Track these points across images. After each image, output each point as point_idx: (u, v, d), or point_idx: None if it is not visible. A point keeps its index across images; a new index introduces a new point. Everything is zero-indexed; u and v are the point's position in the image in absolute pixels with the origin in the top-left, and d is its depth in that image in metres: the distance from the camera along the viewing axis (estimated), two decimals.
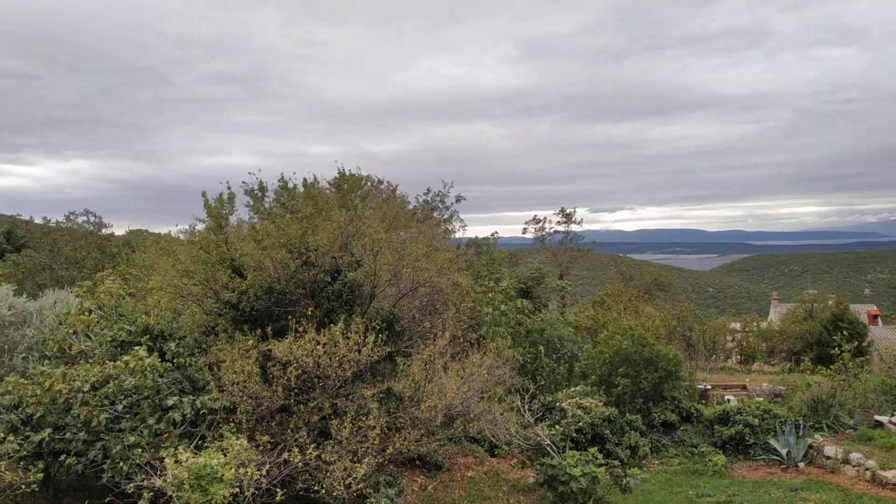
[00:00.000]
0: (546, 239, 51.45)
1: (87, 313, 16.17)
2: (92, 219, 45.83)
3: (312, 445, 12.54)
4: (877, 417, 21.97)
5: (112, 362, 13.48)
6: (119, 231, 49.63)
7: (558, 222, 50.52)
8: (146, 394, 13.03)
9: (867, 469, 18.52)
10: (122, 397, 12.90)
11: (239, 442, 10.54)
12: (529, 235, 52.40)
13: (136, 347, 13.86)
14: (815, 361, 31.33)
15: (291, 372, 13.28)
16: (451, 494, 17.10)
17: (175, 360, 14.78)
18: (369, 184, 22.77)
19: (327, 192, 20.78)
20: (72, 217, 45.41)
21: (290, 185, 21.05)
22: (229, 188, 17.63)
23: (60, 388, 12.72)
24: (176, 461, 9.82)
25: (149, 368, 13.22)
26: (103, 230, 46.67)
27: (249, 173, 19.45)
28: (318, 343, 13.48)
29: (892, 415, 21.96)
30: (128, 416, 12.86)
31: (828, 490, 17.71)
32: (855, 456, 19.04)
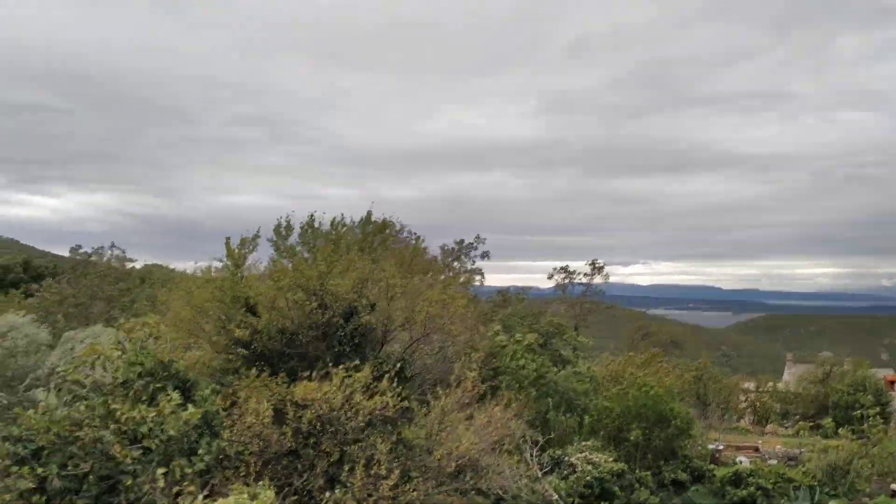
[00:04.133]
0: (567, 289, 51.35)
1: (115, 349, 16.18)
2: (117, 253, 46.45)
3: (324, 494, 12.39)
4: (893, 486, 21.49)
5: (141, 405, 13.38)
6: (137, 265, 50.14)
7: (585, 274, 50.50)
8: (171, 438, 12.94)
9: None
10: (152, 438, 12.81)
11: (268, 493, 10.45)
12: (551, 284, 52.38)
13: (170, 391, 13.75)
14: (836, 425, 30.73)
15: (307, 416, 13.20)
16: None
17: (201, 405, 14.69)
18: (390, 230, 22.95)
19: (349, 232, 20.92)
20: (99, 251, 46.10)
21: (317, 224, 21.31)
22: (257, 234, 17.76)
23: (65, 427, 12.65)
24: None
25: (180, 414, 13.15)
26: (126, 265, 47.24)
27: (278, 219, 19.66)
28: (339, 389, 13.44)
29: None
30: (151, 457, 12.75)
31: None
32: None
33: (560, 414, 24.19)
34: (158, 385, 14.36)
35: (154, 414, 13.05)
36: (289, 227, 19.44)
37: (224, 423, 13.77)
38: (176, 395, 13.37)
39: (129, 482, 12.17)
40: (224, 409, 14.11)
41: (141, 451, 12.66)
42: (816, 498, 20.44)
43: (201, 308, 16.27)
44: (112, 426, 12.67)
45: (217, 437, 13.66)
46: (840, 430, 27.20)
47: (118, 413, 12.76)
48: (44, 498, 12.11)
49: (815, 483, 21.35)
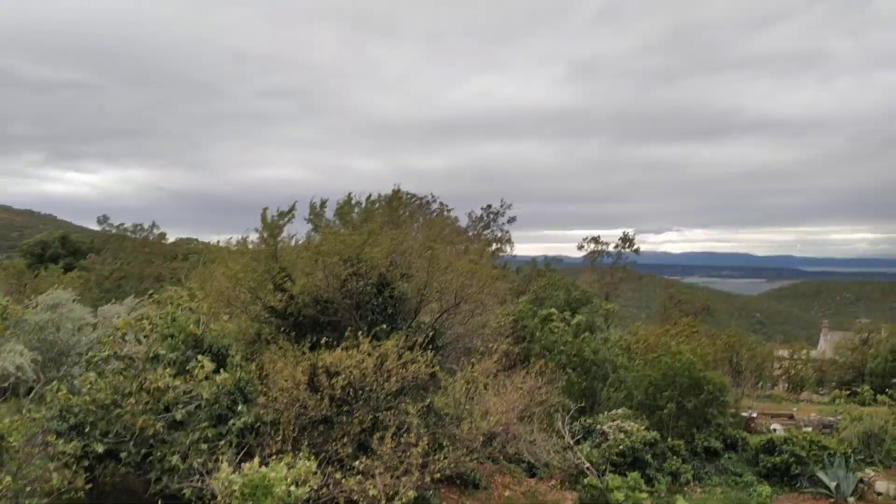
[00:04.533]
0: (597, 259, 51.06)
1: (139, 321, 16.53)
2: (155, 231, 47.42)
3: (355, 460, 12.60)
4: None
5: (169, 373, 13.73)
6: (171, 240, 51.05)
7: (615, 245, 50.18)
8: (203, 404, 13.27)
9: None
10: (180, 406, 13.15)
11: (308, 464, 10.68)
12: (581, 253, 52.16)
13: (200, 357, 14.08)
14: (874, 392, 30.34)
15: (338, 382, 13.39)
16: None
17: (233, 372, 15.01)
18: (419, 201, 23.02)
19: (379, 208, 21.06)
20: (138, 229, 47.09)
21: (354, 201, 21.52)
22: (292, 206, 18.02)
23: (107, 398, 13.00)
24: (235, 469, 9.99)
25: (215, 380, 13.46)
26: (162, 241, 48.27)
27: (313, 198, 19.90)
28: (370, 355, 13.61)
29: None
30: (184, 424, 13.08)
31: None
32: None
33: (595, 382, 24.21)
34: (190, 355, 14.70)
35: (180, 382, 13.38)
36: (323, 205, 19.69)
37: (259, 390, 14.06)
38: (207, 362, 13.68)
39: (162, 451, 12.53)
40: (259, 378, 14.39)
41: (171, 420, 13.01)
42: (851, 465, 20.27)
43: (237, 278, 16.54)
44: (145, 397, 13.01)
45: (250, 403, 13.97)
46: (878, 397, 26.88)
47: (149, 383, 13.10)
48: (87, 465, 12.51)
49: (851, 451, 21.16)
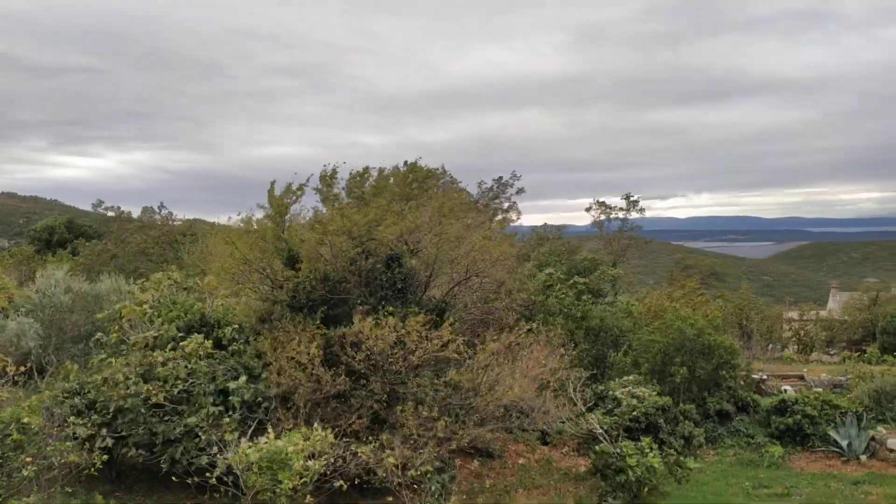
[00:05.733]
0: (604, 225, 50.88)
1: (143, 304, 16.62)
2: (164, 212, 47.41)
3: (370, 434, 12.72)
4: None
5: (170, 347, 13.92)
6: (178, 222, 51.08)
7: (621, 208, 49.93)
8: (200, 379, 13.41)
9: None
10: (178, 382, 13.30)
11: (322, 433, 10.76)
12: (588, 220, 52.01)
13: (195, 335, 14.23)
14: (882, 351, 30.37)
15: (359, 355, 13.48)
16: (504, 481, 17.15)
17: (230, 347, 15.14)
18: (432, 178, 22.87)
19: (391, 182, 20.89)
20: (147, 211, 47.11)
21: (366, 174, 21.24)
22: (303, 183, 17.72)
23: (120, 376, 13.17)
24: (252, 442, 10.08)
25: (202, 352, 13.59)
26: (172, 223, 48.27)
27: (324, 166, 19.46)
28: (395, 329, 13.69)
29: None
30: (185, 399, 13.25)
31: (892, 484, 17.25)
32: None
33: (604, 348, 24.29)
34: (195, 335, 14.84)
35: (179, 355, 13.53)
36: (333, 174, 19.18)
37: (269, 367, 14.17)
38: (199, 338, 13.84)
39: (172, 427, 12.70)
40: (271, 353, 14.49)
41: (178, 395, 13.18)
42: (863, 423, 20.36)
43: (244, 258, 16.52)
44: (146, 376, 13.18)
45: (256, 380, 14.10)
46: (884, 358, 26.94)
47: (153, 358, 13.26)
48: (103, 444, 12.69)
49: (862, 409, 21.24)
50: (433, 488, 13.79)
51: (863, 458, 19.47)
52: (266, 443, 10.06)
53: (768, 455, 19.71)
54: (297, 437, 10.33)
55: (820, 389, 23.99)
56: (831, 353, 37.62)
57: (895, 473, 18.18)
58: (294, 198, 17.19)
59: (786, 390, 23.50)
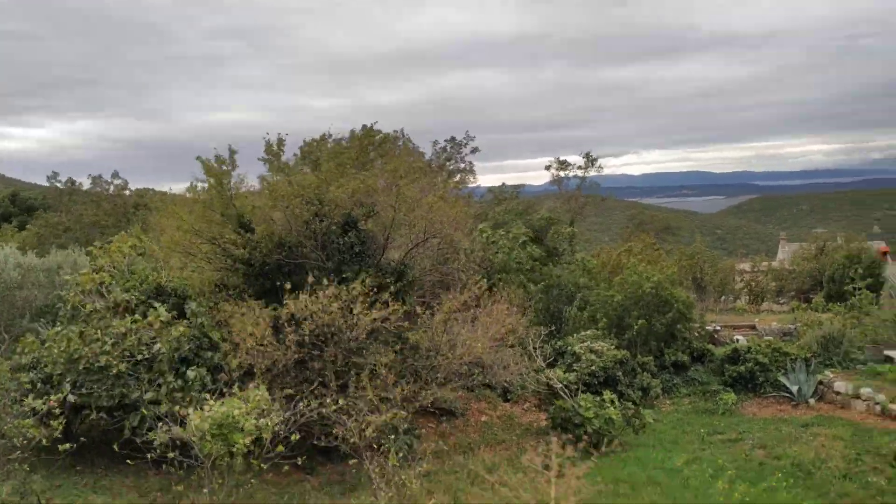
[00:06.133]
0: (563, 183, 51.12)
1: (99, 272, 16.32)
2: (117, 182, 45.88)
3: (331, 399, 12.74)
4: (886, 352, 22.11)
5: (132, 318, 13.72)
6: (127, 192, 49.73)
7: (579, 166, 50.16)
8: (165, 351, 13.26)
9: (877, 403, 18.71)
10: (144, 350, 13.15)
11: (260, 392, 10.71)
12: (545, 179, 52.15)
13: (157, 306, 14.01)
14: (827, 299, 31.32)
15: (306, 328, 13.41)
16: (467, 438, 17.41)
17: (192, 320, 14.98)
18: (387, 141, 22.66)
19: (345, 144, 20.63)
20: (98, 182, 45.55)
21: (314, 142, 20.93)
22: (233, 150, 17.44)
23: (78, 348, 12.94)
24: (200, 411, 10.02)
25: (163, 322, 13.43)
26: (126, 192, 46.82)
27: (265, 135, 19.12)
28: (336, 298, 13.61)
29: None
30: (147, 371, 13.11)
31: (838, 425, 17.92)
32: (865, 391, 19.22)
33: (561, 305, 24.60)
34: (152, 303, 14.65)
35: (141, 325, 13.38)
36: (280, 143, 18.97)
37: (227, 339, 14.08)
38: (163, 311, 13.66)
39: (131, 398, 12.58)
40: (230, 323, 14.39)
41: (134, 365, 13.04)
42: (811, 369, 21.08)
43: (194, 229, 16.25)
44: (108, 342, 12.98)
45: (215, 350, 14.01)
46: (830, 305, 27.82)
47: (111, 329, 13.07)
48: (61, 418, 12.49)
49: (810, 355, 21.96)
50: (397, 449, 13.93)
51: (811, 401, 20.19)
52: (211, 410, 9.98)
53: (722, 403, 20.31)
54: (237, 401, 10.28)
55: (770, 338, 24.68)
56: (781, 302, 38.67)
57: (841, 415, 18.89)
58: (229, 166, 16.87)
59: (738, 340, 24.14)
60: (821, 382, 20.66)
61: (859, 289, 26.16)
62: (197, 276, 17.25)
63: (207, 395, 12.34)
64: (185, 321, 14.03)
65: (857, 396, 19.29)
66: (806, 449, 16.33)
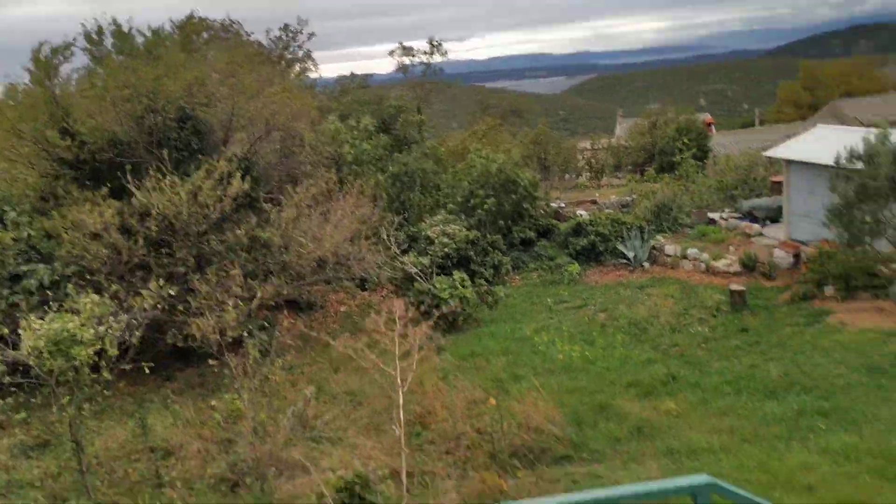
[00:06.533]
0: (409, 70, 50.36)
1: None
2: None
3: (180, 301, 12.40)
4: (710, 215, 24.14)
5: None
6: None
7: (424, 52, 49.35)
8: None
9: (702, 262, 20.59)
10: None
11: (90, 298, 10.15)
12: (391, 68, 51.16)
13: None
14: (658, 170, 33.45)
15: (151, 222, 12.83)
16: (327, 329, 17.64)
17: (16, 230, 13.90)
18: (212, 29, 21.19)
19: (169, 34, 19.10)
20: None
21: (127, 28, 19.23)
22: (70, 42, 15.87)
23: None
24: (29, 330, 9.42)
25: None
26: None
27: (83, 23, 17.33)
28: (181, 188, 13.04)
29: (723, 212, 24.18)
30: None
31: (669, 284, 19.63)
32: (691, 251, 21.05)
33: (410, 192, 24.85)
34: None
35: None
36: (101, 31, 17.37)
37: (60, 245, 13.23)
38: None
39: None
40: (61, 229, 13.49)
41: None
42: (646, 236, 22.71)
43: (15, 130, 14.85)
44: None
45: (51, 260, 13.18)
46: (662, 175, 29.85)
47: None
48: None
49: (645, 223, 23.60)
50: (255, 345, 13.88)
51: (646, 265, 21.90)
52: (41, 327, 9.41)
53: (567, 274, 21.61)
54: (67, 315, 9.74)
55: (610, 210, 26.26)
56: (619, 176, 40.94)
57: (672, 275, 20.65)
58: (61, 58, 15.46)
59: (581, 214, 25.47)
60: (654, 247, 22.37)
61: (686, 158, 28.11)
62: (21, 183, 15.93)
63: (46, 309, 11.69)
64: (9, 234, 13.03)
65: (685, 257, 21.11)
66: (641, 308, 17.83)
